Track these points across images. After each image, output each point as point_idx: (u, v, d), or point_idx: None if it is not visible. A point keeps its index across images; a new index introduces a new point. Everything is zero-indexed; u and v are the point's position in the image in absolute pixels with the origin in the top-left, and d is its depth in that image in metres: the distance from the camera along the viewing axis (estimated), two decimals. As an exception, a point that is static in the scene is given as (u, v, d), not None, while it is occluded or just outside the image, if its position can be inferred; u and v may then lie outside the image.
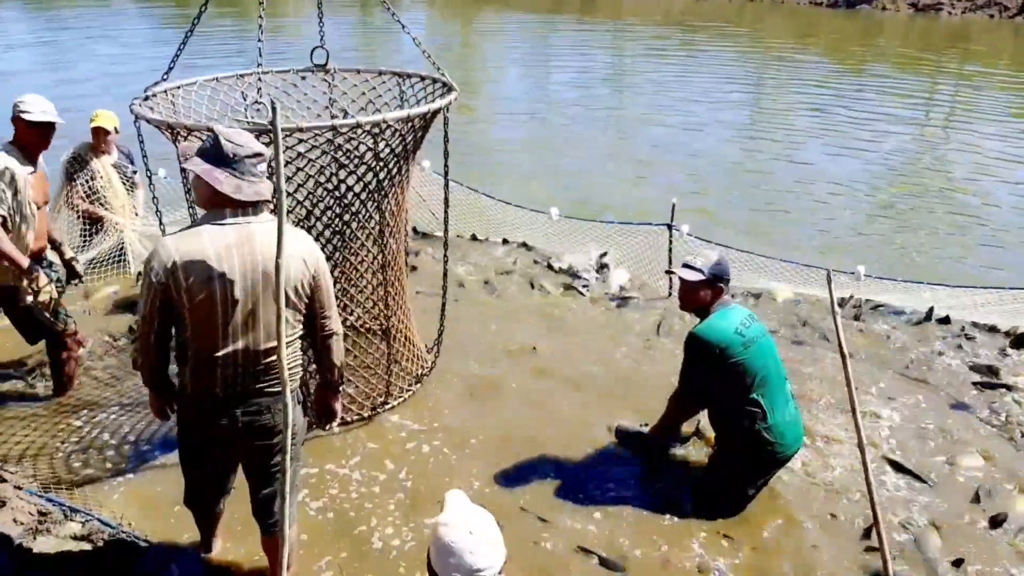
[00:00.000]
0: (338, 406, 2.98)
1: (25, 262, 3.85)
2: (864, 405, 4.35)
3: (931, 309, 5.50)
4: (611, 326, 5.35)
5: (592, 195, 8.17)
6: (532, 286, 5.90)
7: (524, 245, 6.60)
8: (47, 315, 4.12)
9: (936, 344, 5.15)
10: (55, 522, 3.31)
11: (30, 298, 4.02)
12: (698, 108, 12.26)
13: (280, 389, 2.58)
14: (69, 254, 4.45)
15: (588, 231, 6.30)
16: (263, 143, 2.62)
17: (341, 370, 2.85)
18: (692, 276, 3.47)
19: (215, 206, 2.48)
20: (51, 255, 4.43)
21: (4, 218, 3.77)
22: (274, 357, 2.58)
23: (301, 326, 2.67)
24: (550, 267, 6.22)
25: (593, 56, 16.93)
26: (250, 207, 2.49)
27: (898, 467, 3.92)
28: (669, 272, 5.01)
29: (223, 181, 2.42)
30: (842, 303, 5.60)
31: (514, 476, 3.80)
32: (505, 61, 16.88)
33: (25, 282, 3.95)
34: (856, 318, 5.48)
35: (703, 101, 12.70)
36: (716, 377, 3.46)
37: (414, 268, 6.02)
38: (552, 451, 3.99)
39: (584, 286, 5.90)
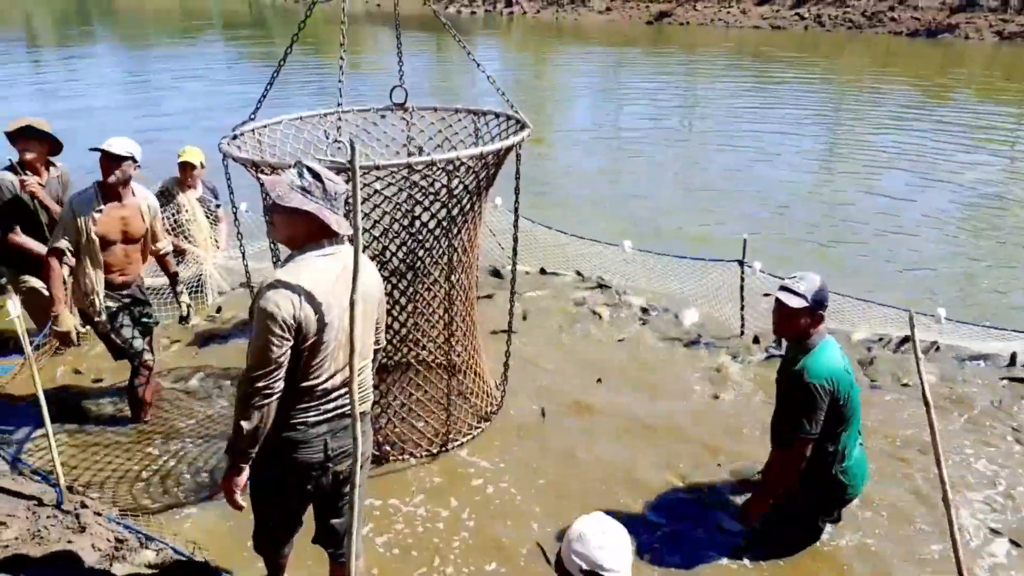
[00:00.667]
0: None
1: (62, 304, 4.08)
2: (949, 457, 4.13)
3: (1014, 354, 5.20)
4: (682, 364, 5.24)
5: (664, 226, 8.06)
6: (602, 321, 5.84)
7: (595, 279, 6.54)
8: (117, 339, 4.28)
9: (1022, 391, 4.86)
10: (131, 549, 3.40)
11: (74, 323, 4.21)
12: (773, 137, 12.01)
13: (360, 408, 2.62)
14: (184, 298, 4.63)
15: (660, 265, 6.21)
16: (343, 180, 2.67)
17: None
18: (794, 301, 3.19)
19: (314, 239, 2.54)
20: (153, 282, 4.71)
21: (63, 251, 4.02)
22: (362, 376, 2.69)
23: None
24: (620, 302, 6.15)
25: (664, 86, 16.84)
26: (334, 237, 2.58)
27: (991, 528, 3.69)
28: (766, 295, 4.68)
29: (331, 218, 2.51)
30: (925, 351, 5.34)
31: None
32: (577, 91, 16.95)
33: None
34: (931, 353, 5.24)
35: (777, 130, 12.44)
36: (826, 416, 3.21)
37: (490, 295, 6.05)
38: (619, 495, 3.91)
39: (653, 322, 5.80)
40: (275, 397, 2.50)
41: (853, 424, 3.32)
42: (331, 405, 2.64)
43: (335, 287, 2.52)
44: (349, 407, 2.61)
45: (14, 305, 3.65)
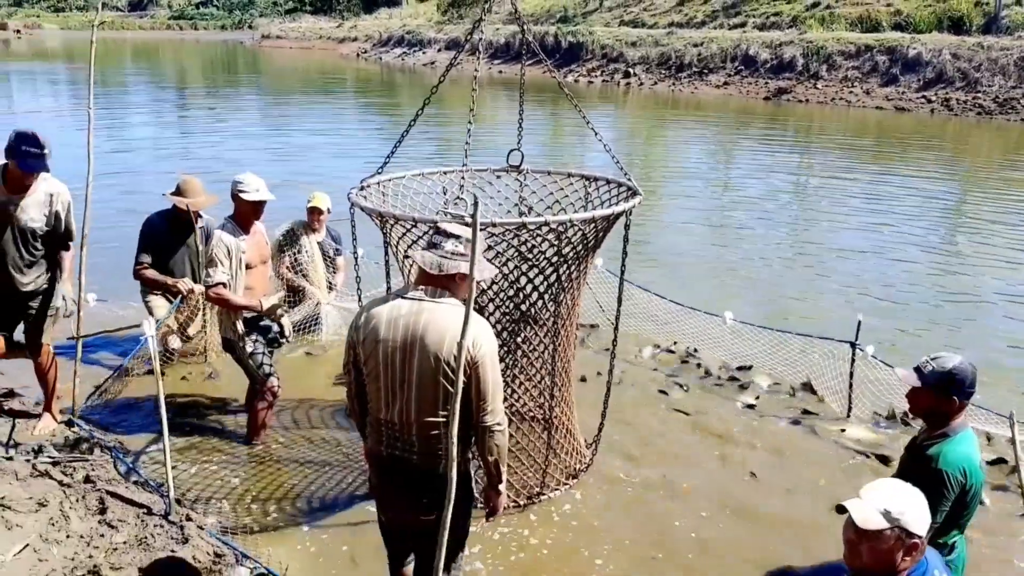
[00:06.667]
0: (499, 501, 2.92)
1: (256, 303, 4.51)
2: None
3: None
4: (782, 445, 5.08)
5: (768, 302, 7.90)
6: (698, 393, 5.77)
7: (692, 350, 6.47)
8: (252, 363, 4.60)
9: None
10: (227, 564, 3.57)
11: (248, 342, 4.58)
12: (892, 219, 11.58)
13: (431, 465, 2.76)
14: (284, 318, 4.93)
15: (761, 340, 6.09)
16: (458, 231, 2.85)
17: (498, 465, 2.78)
18: (911, 379, 3.05)
19: (416, 284, 2.78)
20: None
21: (224, 283, 4.39)
22: (430, 431, 2.73)
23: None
24: (718, 375, 6.06)
25: (778, 159, 16.61)
26: (439, 288, 2.71)
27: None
28: (893, 368, 4.34)
29: (418, 257, 2.75)
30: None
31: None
32: (687, 159, 16.95)
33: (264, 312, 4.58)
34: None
35: (897, 213, 12.00)
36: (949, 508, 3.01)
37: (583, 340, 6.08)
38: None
39: (755, 398, 5.69)
40: (352, 395, 2.90)
41: (967, 521, 3.15)
42: (396, 450, 2.79)
43: (394, 325, 2.69)
44: (414, 458, 2.76)
45: (149, 326, 3.99)
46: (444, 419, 2.67)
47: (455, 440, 2.46)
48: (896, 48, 25.78)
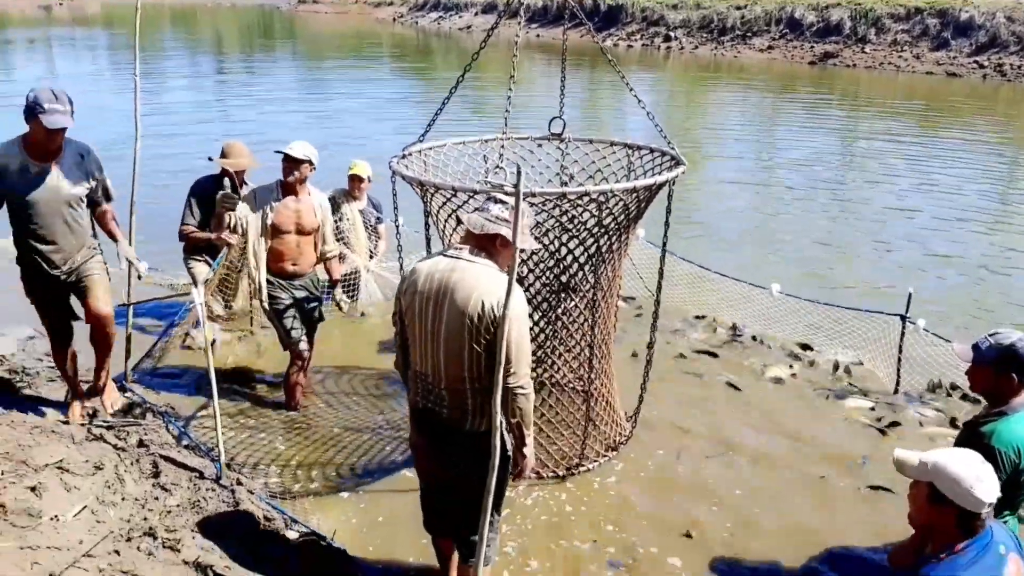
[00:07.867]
0: (526, 463, 2.94)
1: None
2: None
3: None
4: (827, 421, 5.02)
5: (815, 269, 7.77)
6: (742, 366, 5.72)
7: (737, 323, 6.39)
8: (279, 325, 4.67)
9: None
10: (277, 528, 3.65)
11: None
12: (943, 184, 11.26)
13: (458, 422, 2.84)
14: (338, 295, 4.97)
15: (808, 310, 6.00)
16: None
17: (522, 428, 2.82)
18: (965, 355, 3.01)
19: (462, 243, 2.86)
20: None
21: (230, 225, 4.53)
22: (457, 384, 2.80)
23: (479, 367, 2.74)
24: (763, 347, 6.00)
25: (824, 128, 16.20)
26: (482, 251, 2.79)
27: None
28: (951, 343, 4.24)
29: (465, 217, 2.88)
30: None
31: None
32: (729, 126, 16.63)
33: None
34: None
35: (949, 177, 11.66)
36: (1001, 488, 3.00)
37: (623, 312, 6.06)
38: (743, 560, 3.80)
39: (802, 369, 5.63)
40: (398, 348, 3.01)
41: (1021, 503, 3.09)
42: (429, 403, 2.88)
43: (431, 279, 2.78)
44: (442, 412, 2.84)
45: (198, 294, 4.06)
46: (469, 375, 2.76)
47: (499, 407, 2.48)
48: (948, 11, 24.89)
